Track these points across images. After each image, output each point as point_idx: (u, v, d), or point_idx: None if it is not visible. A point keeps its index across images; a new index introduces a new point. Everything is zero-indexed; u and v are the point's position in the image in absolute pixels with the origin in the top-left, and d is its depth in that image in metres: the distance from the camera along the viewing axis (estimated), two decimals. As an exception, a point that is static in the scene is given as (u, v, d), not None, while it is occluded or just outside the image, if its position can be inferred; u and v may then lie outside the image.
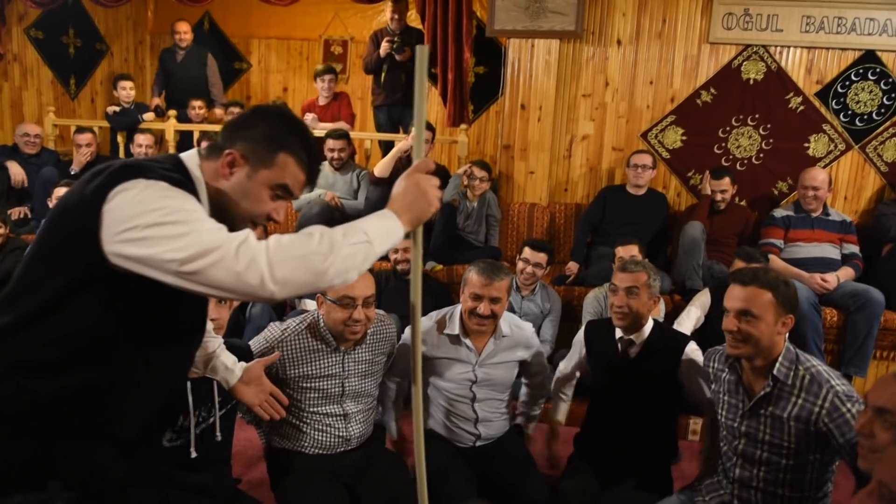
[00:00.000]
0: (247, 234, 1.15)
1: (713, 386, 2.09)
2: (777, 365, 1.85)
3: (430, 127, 4.52)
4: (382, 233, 1.24)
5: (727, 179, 4.22)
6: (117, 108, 5.49)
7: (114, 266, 1.15)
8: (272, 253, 1.13)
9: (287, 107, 1.43)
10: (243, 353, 2.14)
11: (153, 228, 1.11)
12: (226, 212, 1.30)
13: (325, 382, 2.17)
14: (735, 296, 1.87)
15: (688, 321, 3.46)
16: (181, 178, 1.23)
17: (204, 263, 1.10)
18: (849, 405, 1.74)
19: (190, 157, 1.31)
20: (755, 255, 3.39)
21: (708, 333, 3.39)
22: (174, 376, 1.48)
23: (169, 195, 1.16)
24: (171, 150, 5.16)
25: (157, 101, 5.88)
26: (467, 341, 2.37)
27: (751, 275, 1.89)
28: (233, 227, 1.26)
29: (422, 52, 1.28)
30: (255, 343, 2.17)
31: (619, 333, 2.38)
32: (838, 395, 1.76)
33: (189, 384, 1.87)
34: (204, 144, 1.36)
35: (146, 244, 1.11)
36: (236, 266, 1.10)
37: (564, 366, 2.68)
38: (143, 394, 1.37)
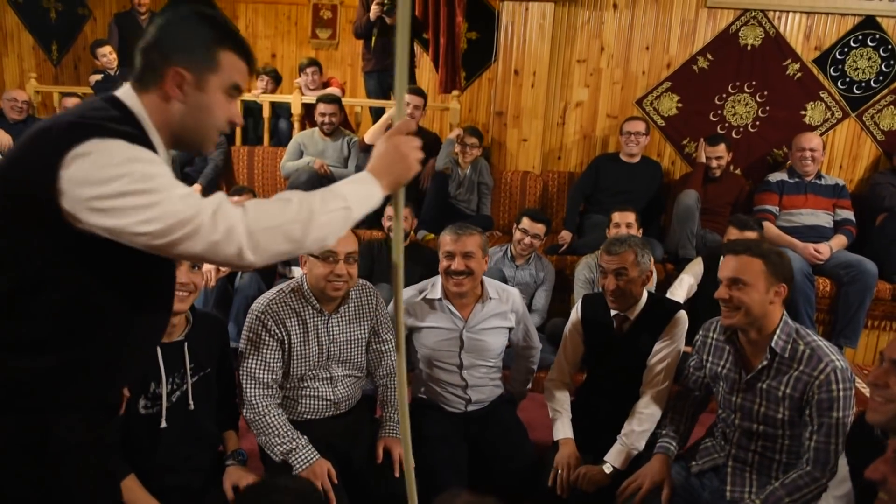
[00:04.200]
0: (219, 200, 1.11)
1: (709, 357, 2.07)
2: (774, 338, 1.85)
3: (421, 93, 4.44)
4: (361, 197, 1.22)
5: (723, 146, 4.18)
6: (100, 77, 5.35)
7: (84, 231, 1.09)
8: (249, 221, 1.10)
9: (193, 4, 1.34)
10: (217, 323, 2.13)
11: (119, 199, 1.05)
12: (188, 137, 1.25)
13: (309, 346, 2.15)
14: (727, 265, 1.91)
15: (680, 290, 3.45)
16: (132, 131, 1.15)
17: (178, 235, 1.07)
18: (842, 385, 1.75)
19: (128, 96, 1.22)
20: (749, 223, 3.36)
21: (699, 302, 3.39)
22: (155, 338, 1.45)
23: (130, 157, 1.09)
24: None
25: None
26: (450, 306, 2.36)
27: (743, 245, 1.92)
28: (201, 149, 1.29)
29: (403, 1, 1.22)
30: (245, 334, 2.13)
31: (613, 310, 2.35)
32: (836, 370, 1.76)
33: (159, 349, 1.83)
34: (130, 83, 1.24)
35: (113, 215, 1.06)
36: (212, 235, 1.07)
37: (556, 369, 2.49)
38: (130, 360, 1.34)
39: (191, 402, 1.92)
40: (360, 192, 1.22)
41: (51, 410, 1.19)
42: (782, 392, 1.83)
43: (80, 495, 1.26)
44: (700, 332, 2.12)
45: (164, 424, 1.85)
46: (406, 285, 2.57)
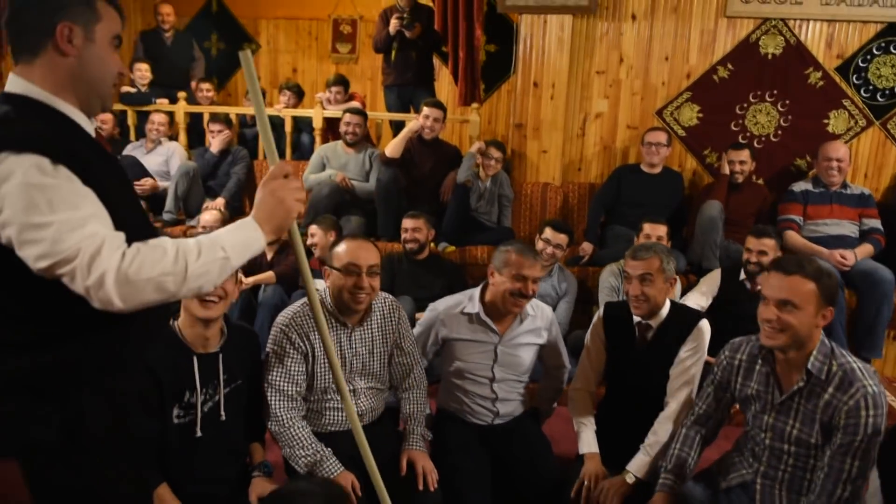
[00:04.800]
0: (99, 244, 1.10)
1: (738, 379, 2.00)
2: (811, 359, 1.78)
3: (441, 106, 4.47)
4: (241, 245, 1.24)
5: (747, 151, 4.15)
6: (133, 90, 5.45)
7: None
8: (124, 271, 1.10)
9: None
10: (250, 336, 2.16)
11: (13, 229, 1.08)
12: (90, 94, 1.28)
13: None
14: (776, 285, 1.79)
15: (694, 300, 3.43)
16: (24, 129, 1.14)
17: (60, 273, 1.09)
18: (872, 412, 1.68)
19: (18, 84, 1.22)
20: (766, 231, 3.36)
21: (717, 313, 3.35)
22: (160, 327, 1.48)
23: (25, 182, 1.08)
24: (182, 133, 5.14)
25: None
26: (489, 321, 2.36)
27: (795, 264, 1.80)
28: (104, 103, 1.31)
29: (245, 58, 1.30)
30: (270, 347, 2.16)
31: (636, 318, 2.35)
32: (867, 396, 1.70)
33: (196, 359, 1.88)
34: (14, 71, 1.24)
35: (13, 243, 1.09)
36: (86, 281, 1.09)
37: (581, 377, 2.49)
38: (135, 349, 1.37)
39: (222, 412, 1.95)
40: (241, 239, 1.25)
41: (78, 398, 1.23)
42: (816, 415, 1.77)
43: (105, 487, 1.29)
44: (726, 353, 2.05)
45: (199, 434, 1.89)
46: (429, 298, 2.62)
